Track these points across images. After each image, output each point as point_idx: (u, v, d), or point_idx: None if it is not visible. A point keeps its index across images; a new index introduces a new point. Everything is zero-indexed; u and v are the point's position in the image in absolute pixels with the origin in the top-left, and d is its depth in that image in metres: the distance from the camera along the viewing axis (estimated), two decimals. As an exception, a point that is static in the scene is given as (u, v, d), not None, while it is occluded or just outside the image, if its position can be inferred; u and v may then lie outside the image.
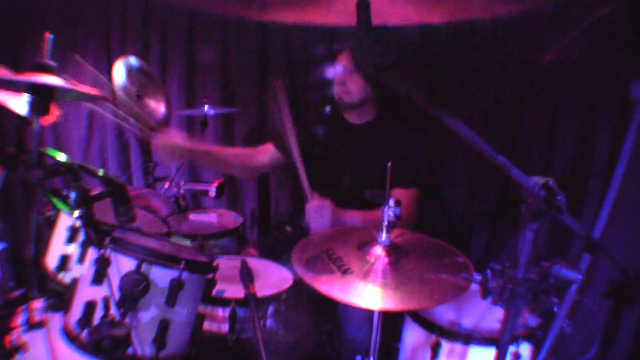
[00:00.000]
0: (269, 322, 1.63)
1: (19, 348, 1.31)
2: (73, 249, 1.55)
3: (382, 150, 1.98)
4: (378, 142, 2.02)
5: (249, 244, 2.31)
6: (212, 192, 2.38)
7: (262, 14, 0.90)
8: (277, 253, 1.99)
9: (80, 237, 1.51)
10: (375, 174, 2.04)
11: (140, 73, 2.46)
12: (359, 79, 1.92)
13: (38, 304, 1.56)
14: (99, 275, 1.23)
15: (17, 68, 1.25)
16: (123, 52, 2.81)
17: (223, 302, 1.57)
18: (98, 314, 1.22)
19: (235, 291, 1.60)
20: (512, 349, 1.35)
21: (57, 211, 1.66)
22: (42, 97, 1.31)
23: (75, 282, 1.33)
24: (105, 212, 1.42)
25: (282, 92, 2.04)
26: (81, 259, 1.48)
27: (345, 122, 2.12)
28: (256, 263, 1.89)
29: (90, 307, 1.23)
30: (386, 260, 1.32)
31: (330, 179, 2.15)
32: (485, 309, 1.57)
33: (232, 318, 1.52)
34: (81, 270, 1.35)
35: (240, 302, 1.53)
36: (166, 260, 1.28)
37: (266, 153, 2.22)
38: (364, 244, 1.39)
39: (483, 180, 2.67)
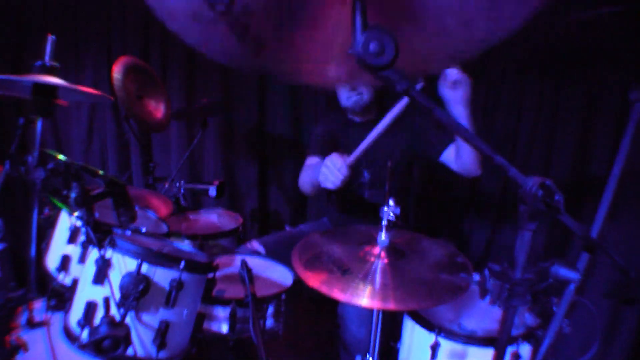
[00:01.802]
0: (268, 322, 1.63)
1: (19, 348, 1.31)
2: (74, 249, 1.56)
3: (394, 138, 2.11)
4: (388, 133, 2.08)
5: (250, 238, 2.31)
6: (212, 192, 2.38)
7: (259, 69, 0.89)
8: (280, 251, 2.00)
9: (81, 237, 1.51)
10: (393, 163, 2.12)
11: (140, 73, 2.46)
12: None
13: (38, 304, 1.56)
14: (100, 276, 1.24)
15: (19, 69, 1.25)
16: (124, 52, 2.82)
17: (223, 302, 1.57)
18: (98, 314, 1.23)
19: (235, 291, 1.60)
20: (511, 349, 1.35)
21: (58, 211, 1.66)
22: (45, 97, 1.31)
23: (75, 282, 1.34)
24: (105, 212, 1.42)
25: None
26: (82, 259, 1.49)
27: (350, 121, 2.28)
28: (256, 263, 1.89)
29: (90, 307, 1.23)
30: (386, 260, 1.33)
31: (352, 178, 2.20)
32: (485, 309, 1.57)
33: (232, 318, 1.53)
34: (82, 271, 1.36)
35: (240, 302, 1.53)
36: (166, 260, 1.28)
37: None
38: (364, 244, 1.40)
39: (483, 180, 2.66)
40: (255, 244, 2.14)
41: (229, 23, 0.78)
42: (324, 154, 2.14)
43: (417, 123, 2.12)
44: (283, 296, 1.63)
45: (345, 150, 2.23)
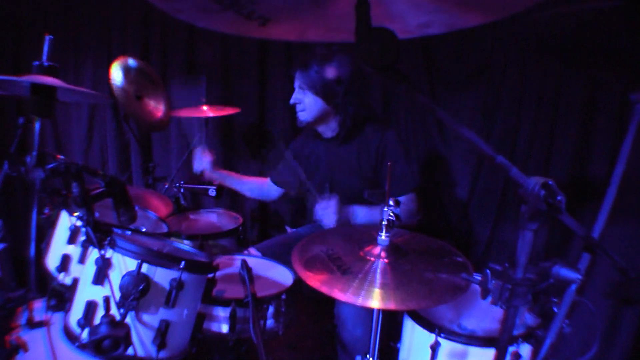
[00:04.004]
0: (269, 322, 1.63)
1: (19, 348, 1.31)
2: (74, 249, 1.55)
3: (359, 161, 2.10)
4: (354, 153, 2.11)
5: (249, 243, 2.32)
6: (212, 192, 2.38)
7: (262, 32, 0.91)
8: (277, 253, 2.00)
9: (81, 237, 1.51)
10: (355, 184, 2.11)
11: (139, 73, 2.46)
12: (311, 96, 2.05)
13: (38, 304, 1.56)
14: (100, 276, 1.24)
15: (18, 69, 1.25)
16: (124, 52, 2.81)
17: (223, 302, 1.57)
18: (98, 314, 1.22)
19: (235, 291, 1.60)
20: (512, 349, 1.35)
21: (58, 211, 1.66)
22: (43, 97, 1.31)
23: (75, 282, 1.34)
24: (105, 212, 1.42)
25: None
26: (82, 259, 1.48)
27: (319, 137, 2.23)
28: (256, 263, 1.89)
29: (90, 307, 1.23)
30: (386, 260, 1.32)
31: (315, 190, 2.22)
32: (485, 309, 1.57)
33: (232, 318, 1.52)
34: (82, 271, 1.35)
35: (240, 302, 1.53)
36: (166, 260, 1.28)
37: (271, 187, 2.47)
38: (364, 244, 1.40)
39: (483, 180, 2.66)
40: (253, 251, 2.13)
41: (236, 11, 0.79)
42: (280, 184, 2.43)
43: (387, 160, 2.07)
44: (283, 296, 1.63)
45: (316, 165, 2.25)
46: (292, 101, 2.11)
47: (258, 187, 2.52)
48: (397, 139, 2.09)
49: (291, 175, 2.34)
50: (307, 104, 2.07)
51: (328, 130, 2.16)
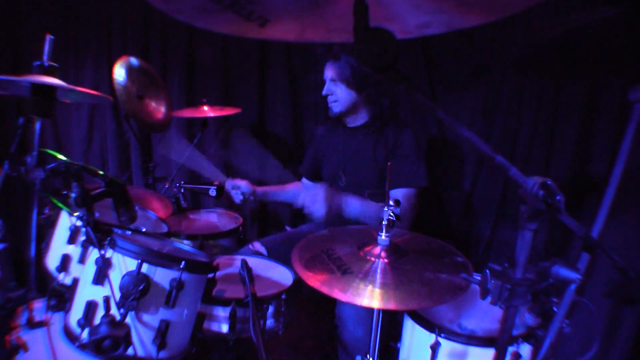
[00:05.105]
0: (269, 322, 1.63)
1: (19, 348, 1.31)
2: (74, 249, 1.55)
3: (375, 152, 2.14)
4: (371, 144, 2.16)
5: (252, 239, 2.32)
6: (212, 192, 2.38)
7: (261, 32, 0.91)
8: (282, 250, 2.01)
9: (81, 237, 1.51)
10: (369, 174, 2.11)
11: (141, 73, 2.46)
12: (343, 87, 2.10)
13: (38, 304, 1.56)
14: (100, 276, 1.24)
15: (18, 69, 1.25)
16: (124, 52, 2.81)
17: (223, 302, 1.57)
18: (99, 314, 1.23)
19: (235, 291, 1.60)
20: (512, 349, 1.35)
21: (58, 211, 1.66)
22: (43, 97, 1.31)
23: (75, 282, 1.34)
24: (105, 212, 1.42)
25: None
26: (82, 259, 1.49)
27: (342, 124, 2.28)
28: (256, 263, 1.89)
29: (90, 307, 1.23)
30: (386, 260, 1.32)
31: (330, 179, 2.30)
32: (485, 309, 1.57)
33: (232, 318, 1.52)
34: (82, 270, 1.35)
35: (240, 302, 1.53)
36: (167, 260, 1.28)
37: (308, 184, 2.51)
38: (364, 244, 1.40)
39: (483, 180, 2.66)
40: (257, 245, 2.14)
41: (235, 11, 0.80)
42: (312, 177, 2.45)
43: (399, 148, 2.11)
44: (283, 296, 1.63)
45: (334, 153, 2.29)
46: (324, 92, 2.16)
47: (297, 190, 2.54)
48: (414, 137, 2.12)
49: (314, 165, 2.42)
50: (339, 95, 2.12)
51: (356, 119, 2.21)
